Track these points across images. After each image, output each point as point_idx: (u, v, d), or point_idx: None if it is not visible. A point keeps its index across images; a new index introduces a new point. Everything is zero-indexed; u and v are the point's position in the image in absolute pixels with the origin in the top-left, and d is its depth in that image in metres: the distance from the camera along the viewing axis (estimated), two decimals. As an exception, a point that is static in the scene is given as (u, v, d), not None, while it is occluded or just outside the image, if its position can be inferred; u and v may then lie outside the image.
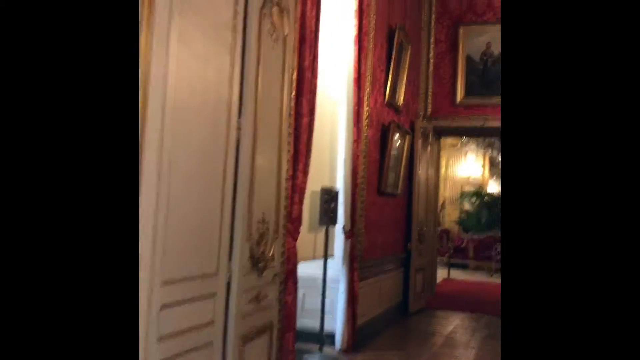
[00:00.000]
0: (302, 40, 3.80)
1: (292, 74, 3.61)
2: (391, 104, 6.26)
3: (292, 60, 3.59)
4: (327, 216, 4.70)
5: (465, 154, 16.54)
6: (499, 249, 12.82)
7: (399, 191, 6.70)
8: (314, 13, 3.99)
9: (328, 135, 5.00)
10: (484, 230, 14.29)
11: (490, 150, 13.87)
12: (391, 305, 6.76)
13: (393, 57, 6.13)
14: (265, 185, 3.36)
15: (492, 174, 17.68)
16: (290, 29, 3.55)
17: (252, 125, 3.10)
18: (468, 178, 17.06)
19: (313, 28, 4.00)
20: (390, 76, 6.09)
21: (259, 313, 3.41)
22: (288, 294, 3.83)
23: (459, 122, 7.66)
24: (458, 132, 8.55)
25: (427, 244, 7.91)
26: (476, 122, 7.57)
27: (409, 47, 6.68)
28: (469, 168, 17.08)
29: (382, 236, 6.32)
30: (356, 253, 5.32)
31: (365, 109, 5.42)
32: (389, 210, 6.53)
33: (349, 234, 5.17)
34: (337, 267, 5.29)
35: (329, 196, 4.71)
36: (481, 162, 17.43)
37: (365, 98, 5.40)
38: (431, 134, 7.72)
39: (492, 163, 17.36)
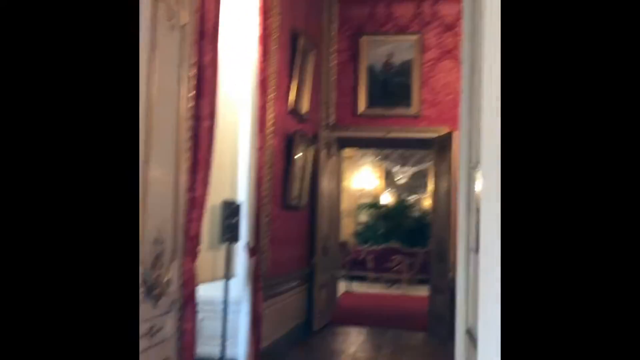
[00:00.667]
0: (202, 33, 3.36)
1: (191, 70, 3.16)
2: (295, 112, 5.94)
3: (191, 53, 3.15)
4: (229, 232, 4.26)
5: (361, 166, 16.67)
6: (396, 260, 12.94)
7: (303, 204, 6.39)
8: (213, 6, 3.56)
9: (229, 143, 4.56)
10: (381, 242, 14.39)
11: (386, 162, 14.04)
12: (295, 324, 6.40)
13: (297, 62, 5.83)
14: (160, 199, 2.87)
15: (386, 186, 18.00)
16: (189, 19, 3.11)
17: (144, 127, 2.61)
18: (362, 190, 17.21)
19: (214, 21, 3.57)
20: (294, 82, 5.78)
21: (153, 349, 2.90)
22: (187, 321, 3.33)
23: (361, 132, 7.52)
24: (361, 143, 8.43)
25: (330, 258, 7.67)
26: (379, 133, 7.47)
27: (313, 53, 6.42)
28: (365, 180, 17.24)
29: (287, 252, 5.95)
30: (260, 271, 4.90)
31: (270, 115, 5.06)
32: (293, 223, 6.19)
33: (253, 251, 4.75)
34: (239, 287, 4.85)
35: (230, 210, 4.27)
36: (376, 174, 17.69)
37: (270, 104, 5.04)
38: (334, 144, 7.51)
39: (387, 175, 17.67)
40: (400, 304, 9.99)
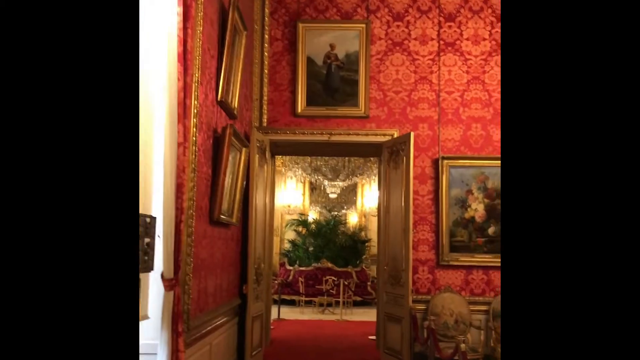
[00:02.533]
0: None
1: None
2: (224, 104, 4.75)
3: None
4: (140, 258, 3.01)
5: (286, 180, 15.54)
6: (329, 280, 11.88)
7: (234, 219, 5.16)
8: None
9: (140, 133, 3.29)
10: (312, 262, 13.31)
11: (314, 175, 13.00)
12: (224, 370, 5.13)
13: (227, 42, 4.66)
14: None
15: (312, 201, 16.96)
16: None
17: None
18: (289, 206, 16.08)
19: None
20: (223, 66, 4.60)
21: None
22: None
23: (300, 136, 6.42)
24: (300, 149, 7.30)
25: (264, 284, 6.46)
26: (321, 137, 6.41)
27: (244, 35, 5.28)
28: (290, 195, 16.12)
29: (214, 280, 4.71)
30: (182, 309, 3.64)
31: (194, 102, 3.84)
32: (222, 244, 4.95)
33: (172, 282, 3.49)
34: (153, 332, 3.56)
35: (142, 227, 3.03)
36: (302, 189, 16.63)
37: (193, 87, 3.83)
38: (268, 149, 6.36)
39: (312, 189, 16.66)
40: (339, 332, 8.89)
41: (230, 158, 4.82)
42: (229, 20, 4.72)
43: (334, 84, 6.43)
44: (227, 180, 4.79)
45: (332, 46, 6.46)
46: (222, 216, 4.62)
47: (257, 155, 5.87)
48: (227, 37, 4.68)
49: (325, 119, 6.43)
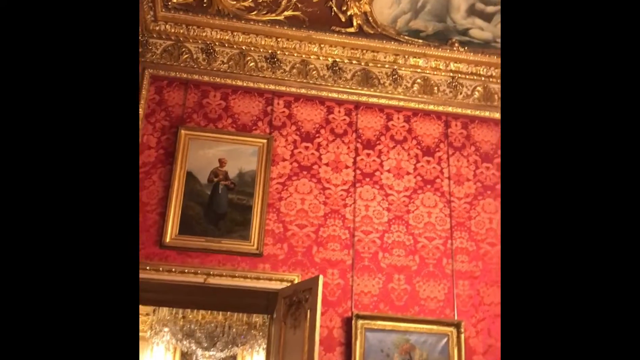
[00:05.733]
0: None
1: None
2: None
3: None
4: None
5: (152, 348, 12.88)
6: None
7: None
8: None
9: None
10: None
11: (186, 341, 10.69)
12: None
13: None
14: None
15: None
16: None
17: None
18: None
19: None
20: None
21: None
22: None
23: (165, 274, 4.60)
24: (164, 296, 5.22)
25: None
26: (194, 278, 4.63)
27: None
28: (155, 368, 13.28)
29: None
30: None
31: None
32: None
33: None
34: None
35: None
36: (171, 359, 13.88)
37: None
38: (115, 290, 4.44)
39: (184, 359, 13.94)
40: None
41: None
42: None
43: (220, 208, 4.87)
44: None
45: (221, 162, 5.02)
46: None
47: (93, 295, 3.94)
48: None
49: (203, 254, 4.72)
